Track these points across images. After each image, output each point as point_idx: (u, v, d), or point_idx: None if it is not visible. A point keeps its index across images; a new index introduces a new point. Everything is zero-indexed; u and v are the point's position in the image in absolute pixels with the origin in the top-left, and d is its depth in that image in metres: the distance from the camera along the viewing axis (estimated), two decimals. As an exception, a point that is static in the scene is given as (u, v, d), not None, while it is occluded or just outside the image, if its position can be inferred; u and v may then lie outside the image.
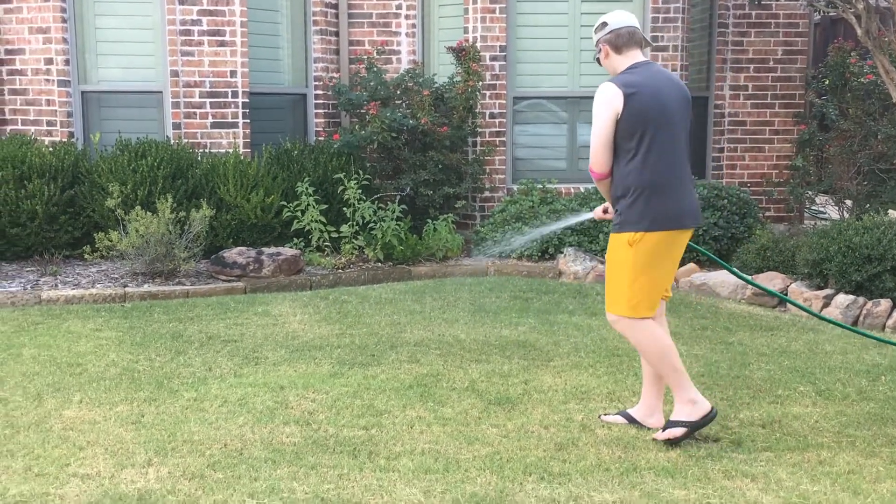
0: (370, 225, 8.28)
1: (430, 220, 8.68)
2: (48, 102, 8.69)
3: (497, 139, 9.27)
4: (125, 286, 7.18)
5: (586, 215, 4.85)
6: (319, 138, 9.35)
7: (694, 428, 4.12)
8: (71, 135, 8.67)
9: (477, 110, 9.17)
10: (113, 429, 4.27)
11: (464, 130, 9.04)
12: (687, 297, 7.30)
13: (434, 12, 9.65)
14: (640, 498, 3.57)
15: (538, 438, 4.21)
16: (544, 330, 6.16)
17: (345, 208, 8.34)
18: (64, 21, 8.58)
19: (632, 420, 4.40)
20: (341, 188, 8.32)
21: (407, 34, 9.68)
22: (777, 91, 10.05)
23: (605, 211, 4.44)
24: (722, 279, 7.38)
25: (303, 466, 3.84)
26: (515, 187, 9.13)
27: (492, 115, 9.25)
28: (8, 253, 7.95)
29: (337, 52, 9.68)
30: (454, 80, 9.03)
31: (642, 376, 4.44)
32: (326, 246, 8.28)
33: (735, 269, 5.03)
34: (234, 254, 7.63)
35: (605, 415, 4.49)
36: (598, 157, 4.15)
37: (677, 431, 4.11)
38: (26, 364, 5.28)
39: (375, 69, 9.06)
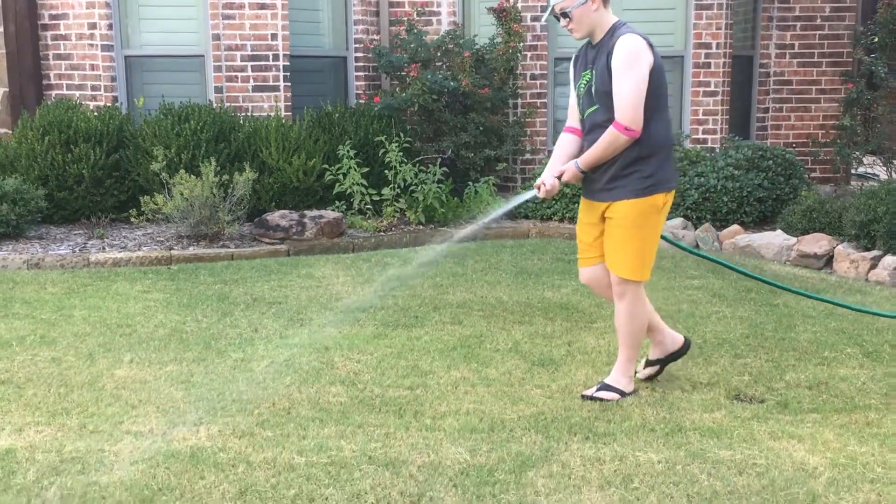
0: (411, 188, 8.29)
1: (470, 183, 8.67)
2: (92, 67, 8.76)
3: (538, 101, 9.20)
4: (171, 249, 7.28)
5: (528, 194, 4.47)
6: (360, 101, 9.35)
7: (623, 396, 4.19)
8: (115, 99, 8.75)
9: (518, 72, 9.10)
10: (163, 388, 4.36)
11: (504, 92, 8.98)
12: (731, 258, 7.23)
13: (475, -28, 9.56)
14: (685, 458, 3.58)
15: (581, 400, 4.22)
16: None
17: (386, 171, 8.35)
18: (106, -15, 8.62)
19: (659, 361, 4.41)
20: (382, 151, 8.33)
21: (447, -5, 9.60)
22: (824, 49, 9.83)
23: (560, 177, 4.14)
24: (768, 241, 7.30)
25: (349, 425, 3.89)
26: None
27: (532, 77, 9.18)
28: (56, 216, 8.08)
29: (377, 13, 9.64)
30: (495, 41, 8.96)
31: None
32: (368, 209, 8.31)
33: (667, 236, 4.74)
34: (277, 217, 7.69)
35: (640, 371, 4.50)
36: (636, 112, 3.89)
37: (612, 395, 4.18)
38: (77, 325, 5.39)
39: (416, 31, 9.02)
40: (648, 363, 4.46)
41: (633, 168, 4.00)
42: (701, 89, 9.04)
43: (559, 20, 4.11)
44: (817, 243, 7.07)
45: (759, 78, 9.91)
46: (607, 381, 4.26)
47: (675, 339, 4.43)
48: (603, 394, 4.19)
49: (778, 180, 8.23)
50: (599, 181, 4.09)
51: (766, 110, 9.96)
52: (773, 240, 7.29)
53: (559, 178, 4.16)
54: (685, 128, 9.13)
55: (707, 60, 8.99)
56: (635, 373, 4.39)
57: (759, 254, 7.27)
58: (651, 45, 3.97)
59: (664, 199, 4.07)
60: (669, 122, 4.10)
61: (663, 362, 4.43)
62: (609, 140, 3.96)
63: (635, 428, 3.88)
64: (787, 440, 3.75)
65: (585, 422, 3.94)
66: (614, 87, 3.93)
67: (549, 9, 4.13)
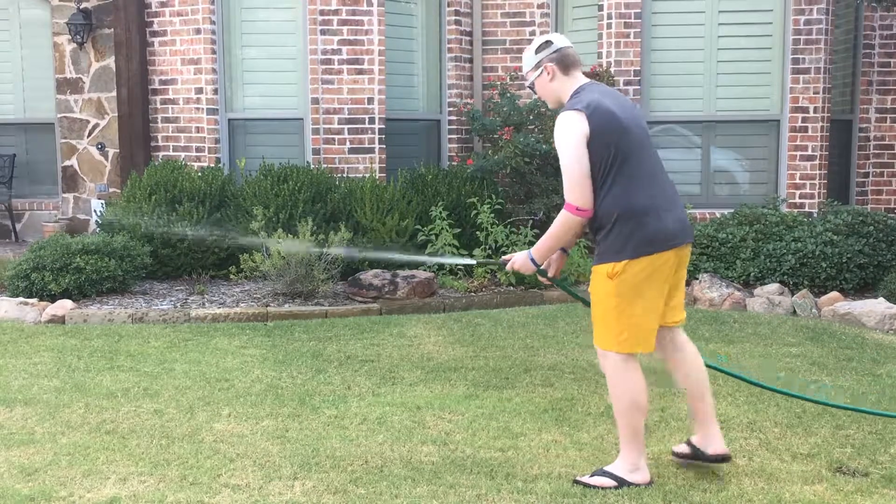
0: (502, 249, 8.34)
1: (561, 245, 8.66)
2: (198, 129, 9.15)
3: (630, 164, 9.19)
4: (267, 305, 7.46)
5: (468, 261, 4.43)
6: (453, 163, 9.50)
7: (622, 485, 3.83)
8: (218, 160, 9.10)
9: (610, 135, 9.12)
10: (260, 442, 4.45)
11: (597, 155, 9.00)
12: (830, 326, 7.05)
13: (567, 38, 9.67)
14: (785, 531, 3.48)
15: (676, 467, 4.15)
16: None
17: (477, 232, 8.44)
18: (213, 52, 9.03)
19: (693, 450, 4.09)
20: (474, 212, 8.42)
21: (540, 60, 9.73)
22: (926, 113, 9.63)
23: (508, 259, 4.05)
24: (869, 308, 7.09)
25: (441, 485, 3.91)
26: (649, 212, 9.03)
27: (625, 140, 9.19)
28: (159, 273, 8.39)
29: (471, 78, 9.84)
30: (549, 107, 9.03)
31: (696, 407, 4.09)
32: (459, 269, 8.38)
33: (567, 287, 4.47)
34: (370, 276, 7.82)
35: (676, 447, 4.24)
36: (583, 190, 3.69)
37: (607, 482, 3.85)
38: (178, 378, 5.56)
39: (509, 94, 9.16)
40: (688, 442, 4.14)
41: (602, 235, 3.80)
42: (798, 153, 8.93)
43: (534, 92, 4.02)
44: (922, 312, 6.83)
45: (858, 142, 9.75)
46: (606, 467, 3.94)
47: (714, 441, 4.02)
48: (595, 479, 3.88)
49: (879, 246, 8.01)
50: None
51: (866, 175, 9.76)
52: (874, 308, 7.08)
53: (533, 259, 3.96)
54: (781, 192, 9.00)
55: (804, 125, 8.89)
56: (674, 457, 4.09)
57: (861, 322, 7.07)
58: (598, 109, 3.69)
59: (615, 270, 3.74)
60: (637, 186, 3.75)
61: (695, 455, 4.06)
62: (561, 221, 3.80)
63: (732, 498, 3.79)
64: (894, 516, 3.62)
65: (680, 490, 3.87)
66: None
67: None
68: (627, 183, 3.74)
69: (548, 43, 3.91)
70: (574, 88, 3.86)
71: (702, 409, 4.05)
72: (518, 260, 4.04)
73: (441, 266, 8.42)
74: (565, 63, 3.88)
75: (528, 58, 3.96)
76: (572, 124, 3.71)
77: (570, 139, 3.70)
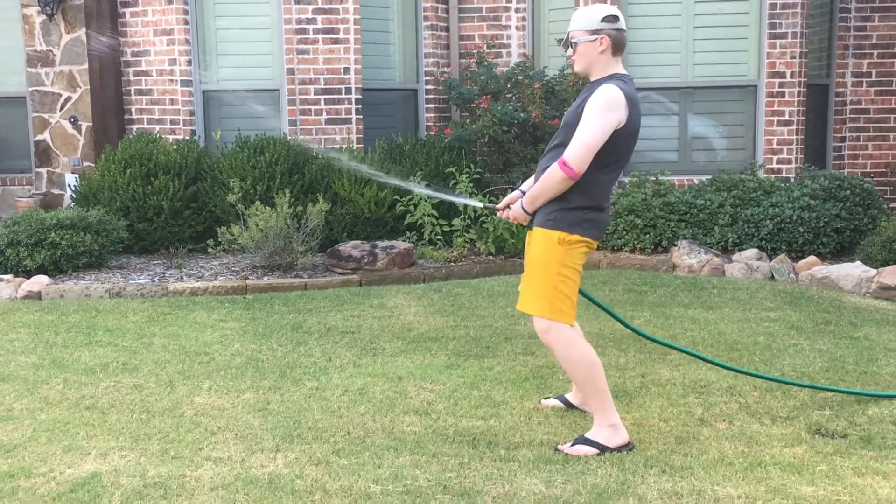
0: (482, 218, 8.33)
1: (540, 213, 8.65)
2: (172, 102, 9.03)
3: (608, 131, 9.17)
4: (246, 278, 7.42)
5: (476, 203, 4.51)
6: (430, 133, 9.45)
7: (603, 452, 3.88)
8: (193, 133, 9.00)
9: (588, 102, 9.09)
10: (241, 415, 4.43)
11: (575, 123, 8.98)
12: (808, 290, 7.10)
13: (544, 5, 9.62)
14: (766, 493, 3.51)
15: (657, 432, 4.17)
16: (660, 323, 6.09)
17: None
18: (186, 23, 8.90)
19: (569, 405, 4.43)
20: (453, 182, 8.39)
21: (517, 28, 9.67)
22: (903, 77, 9.66)
23: (506, 207, 4.16)
24: (847, 272, 7.14)
25: (424, 455, 3.91)
26: (627, 180, 9.03)
27: (603, 107, 9.16)
28: (136, 247, 8.31)
29: (447, 47, 9.76)
30: (565, 72, 8.99)
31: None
32: (438, 239, 8.37)
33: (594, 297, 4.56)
34: (349, 247, 7.79)
35: (545, 398, 4.54)
36: (586, 158, 3.77)
37: (588, 450, 3.89)
38: (158, 352, 5.53)
39: (486, 63, 9.10)
40: (559, 398, 4.47)
41: (554, 203, 3.90)
42: (775, 119, 8.94)
43: (567, 48, 4.05)
44: (898, 275, 6.89)
45: (835, 107, 9.76)
46: (586, 434, 3.99)
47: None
48: (577, 448, 3.91)
49: (856, 210, 8.06)
50: None
51: (843, 139, 9.79)
52: (852, 271, 7.14)
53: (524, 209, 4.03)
54: (759, 157, 9.02)
55: (781, 90, 8.89)
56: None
57: (838, 286, 7.12)
58: (633, 105, 3.85)
59: (569, 239, 3.87)
60: (613, 182, 3.99)
61: (568, 406, 4.44)
62: (548, 175, 3.87)
63: (713, 462, 3.82)
64: (872, 476, 3.65)
65: (661, 455, 3.89)
66: (578, 126, 3.82)
67: (567, 34, 4.06)
68: (610, 177, 3.95)
69: (616, 18, 3.93)
70: (612, 72, 3.93)
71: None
72: (518, 215, 4.07)
73: (420, 236, 8.39)
74: (619, 45, 3.94)
75: (588, 20, 3.93)
76: (617, 104, 3.79)
77: (608, 114, 3.78)
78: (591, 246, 3.99)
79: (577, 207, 3.88)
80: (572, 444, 3.96)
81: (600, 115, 3.77)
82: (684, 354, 5.04)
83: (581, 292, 4.18)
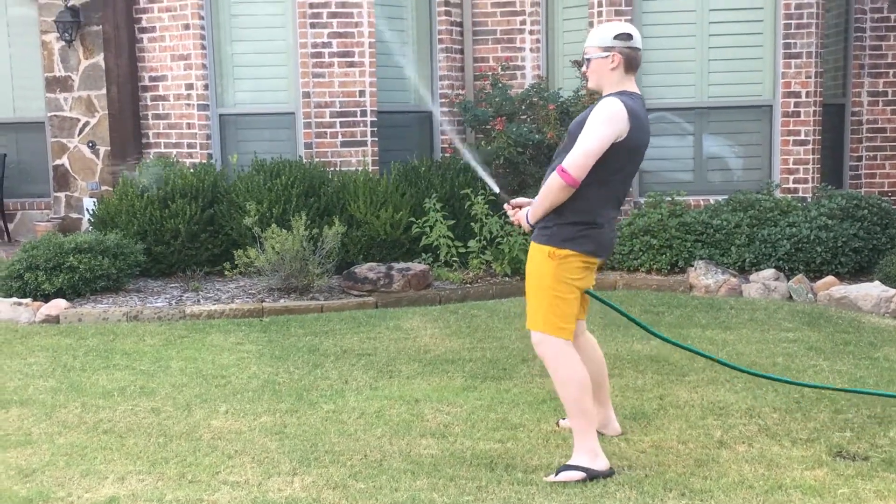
0: (497, 240, 8.32)
1: (556, 235, 8.64)
2: (189, 126, 9.10)
3: (623, 152, 9.17)
4: (262, 301, 7.43)
5: (495, 188, 4.57)
6: (445, 155, 9.47)
7: (591, 476, 3.84)
8: (210, 156, 9.06)
9: (602, 123, 9.09)
10: (258, 438, 4.43)
11: (589, 144, 8.98)
12: (826, 310, 7.05)
13: (558, 27, 9.66)
14: (787, 517, 3.48)
15: (676, 454, 4.14)
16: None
17: (472, 223, 8.41)
18: (203, 48, 8.98)
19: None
20: (468, 203, 8.40)
21: (531, 49, 9.70)
22: (919, 95, 9.62)
23: (516, 207, 4.22)
24: (865, 292, 7.09)
25: (441, 478, 3.89)
26: (643, 200, 9.02)
27: (618, 128, 9.16)
28: (153, 270, 8.35)
29: (462, 69, 9.80)
30: (579, 93, 9.01)
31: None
32: (454, 261, 8.37)
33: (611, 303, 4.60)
34: (365, 269, 7.80)
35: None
36: (585, 166, 3.80)
37: (575, 475, 3.86)
38: (175, 376, 5.54)
39: (500, 85, 9.13)
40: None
41: (549, 217, 3.94)
42: (791, 138, 8.91)
43: (581, 65, 4.09)
44: (918, 294, 6.84)
45: (851, 126, 9.73)
46: (568, 462, 3.95)
47: (614, 426, 4.41)
48: (563, 475, 3.87)
49: (874, 230, 8.02)
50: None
51: (860, 159, 9.76)
52: (870, 291, 7.09)
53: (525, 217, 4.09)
54: (775, 177, 8.99)
55: (797, 109, 8.87)
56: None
57: (857, 306, 7.07)
58: (636, 121, 3.85)
59: (559, 254, 3.90)
60: (613, 199, 3.99)
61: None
62: (548, 183, 3.91)
63: (733, 485, 3.78)
64: (895, 499, 3.61)
65: (681, 477, 3.86)
66: (579, 136, 3.86)
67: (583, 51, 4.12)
68: (606, 192, 3.95)
69: (629, 36, 3.97)
70: (623, 89, 3.96)
71: (601, 393, 4.33)
72: (521, 221, 4.14)
73: (436, 258, 8.39)
74: (631, 63, 3.98)
75: (602, 37, 3.98)
76: (618, 117, 3.82)
77: (608, 126, 3.81)
78: (587, 261, 3.98)
79: (570, 223, 3.92)
80: (556, 474, 3.91)
81: (600, 126, 3.81)
82: (702, 366, 5.01)
83: (593, 295, 4.29)
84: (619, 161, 3.90)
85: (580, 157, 3.81)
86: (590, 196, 3.89)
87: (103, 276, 7.59)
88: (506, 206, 4.32)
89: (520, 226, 4.18)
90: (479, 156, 8.74)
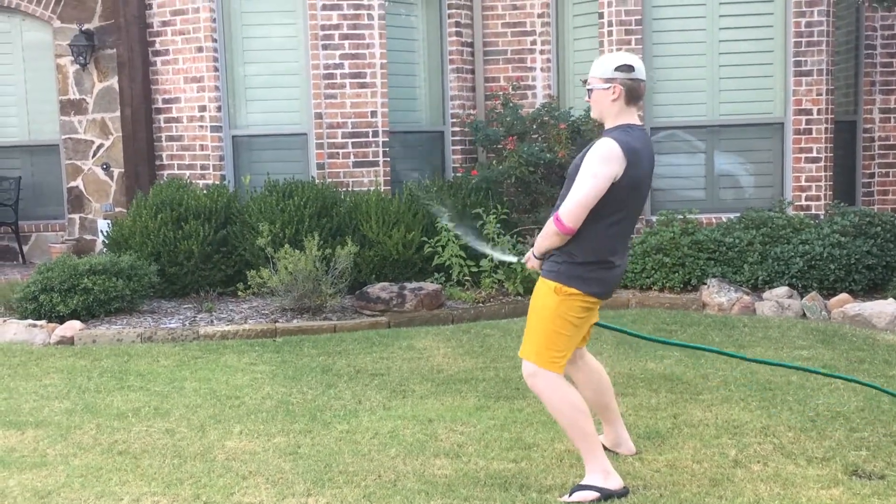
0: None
1: (568, 253, 8.64)
2: (202, 147, 9.16)
3: (635, 170, 9.18)
4: (275, 321, 7.46)
5: (511, 258, 4.76)
6: (457, 174, 9.50)
7: (606, 496, 3.83)
8: (223, 177, 9.11)
9: (614, 142, 9.11)
10: (272, 459, 4.44)
11: (601, 162, 8.99)
12: (841, 328, 7.02)
13: (569, 46, 9.70)
14: (803, 537, 3.46)
15: (691, 473, 4.13)
16: (690, 363, 6.04)
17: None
18: (216, 70, 9.05)
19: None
20: (480, 223, 8.42)
21: (542, 69, 9.75)
22: (931, 112, 9.61)
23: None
24: (880, 309, 7.07)
25: (455, 498, 3.89)
26: (655, 218, 9.02)
27: (629, 147, 9.17)
28: (167, 291, 8.39)
29: (473, 89, 9.84)
30: (590, 112, 9.01)
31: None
32: (466, 280, 8.38)
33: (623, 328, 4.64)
34: (378, 289, 7.81)
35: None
36: (579, 215, 3.79)
37: (589, 494, 3.85)
38: (189, 397, 5.56)
39: (511, 104, 9.17)
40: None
41: (555, 255, 3.95)
42: (803, 156, 8.91)
43: (588, 95, 4.07)
44: (933, 312, 6.81)
45: (863, 143, 9.72)
46: (581, 482, 3.95)
47: (628, 445, 4.42)
48: (577, 496, 3.87)
49: (888, 247, 7.99)
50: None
51: (872, 175, 9.74)
52: (885, 308, 7.06)
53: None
54: (787, 194, 8.98)
55: (808, 127, 8.87)
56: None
57: (871, 323, 7.04)
58: (633, 157, 3.82)
59: (565, 290, 3.88)
60: (618, 236, 3.95)
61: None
62: (546, 228, 3.94)
63: (748, 504, 3.77)
64: (912, 519, 3.59)
65: (696, 497, 3.85)
66: (574, 181, 3.86)
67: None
68: (611, 231, 3.92)
69: (630, 68, 3.93)
70: (624, 122, 3.93)
71: (610, 414, 4.37)
72: (533, 264, 4.17)
73: (448, 277, 8.40)
74: (633, 95, 3.94)
75: (604, 68, 3.95)
76: (611, 154, 3.79)
77: (601, 166, 3.78)
78: (590, 302, 3.96)
79: (582, 262, 3.90)
80: (570, 494, 3.91)
81: (595, 171, 3.78)
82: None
83: (604, 325, 4.39)
84: (624, 198, 3.87)
85: (574, 206, 3.80)
86: (600, 235, 3.88)
87: (117, 298, 7.63)
88: (525, 262, 4.29)
89: (533, 269, 4.18)
90: (491, 175, 8.79)
